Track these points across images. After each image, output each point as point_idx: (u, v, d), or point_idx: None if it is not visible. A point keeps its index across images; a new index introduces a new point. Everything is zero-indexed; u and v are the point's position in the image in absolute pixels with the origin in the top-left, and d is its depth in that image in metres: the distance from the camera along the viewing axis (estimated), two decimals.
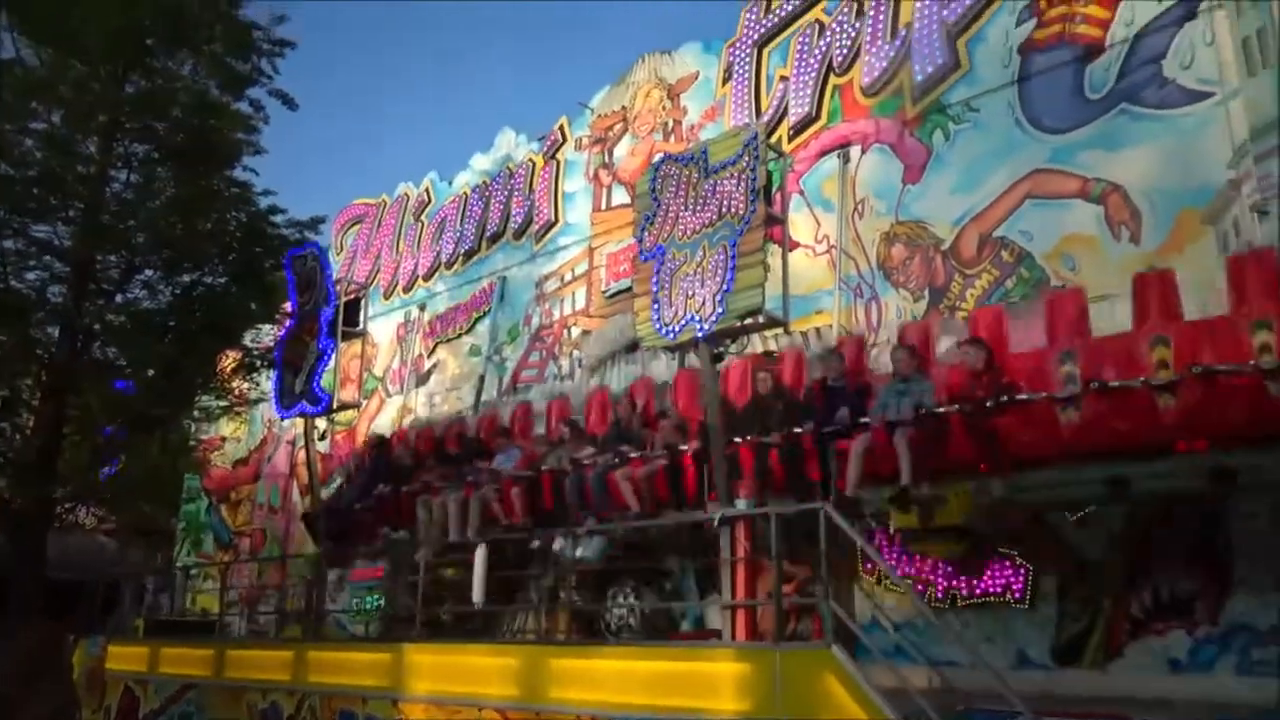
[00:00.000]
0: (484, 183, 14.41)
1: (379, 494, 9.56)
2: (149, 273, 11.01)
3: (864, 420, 6.39)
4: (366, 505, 9.70)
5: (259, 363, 11.56)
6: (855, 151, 9.49)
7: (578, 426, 8.91)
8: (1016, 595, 7.02)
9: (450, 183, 15.18)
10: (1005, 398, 5.94)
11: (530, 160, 13.78)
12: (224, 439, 17.74)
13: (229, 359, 11.94)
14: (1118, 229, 7.41)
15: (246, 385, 12.37)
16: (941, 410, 6.18)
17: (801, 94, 10.04)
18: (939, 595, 7.33)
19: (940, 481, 6.10)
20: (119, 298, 10.97)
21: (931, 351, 7.23)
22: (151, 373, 10.81)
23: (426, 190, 15.55)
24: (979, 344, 6.48)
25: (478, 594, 7.79)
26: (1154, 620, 6.40)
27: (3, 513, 10.52)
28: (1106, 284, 7.22)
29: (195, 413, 12.76)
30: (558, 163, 13.34)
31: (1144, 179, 7.32)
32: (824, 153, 9.77)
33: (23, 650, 4.62)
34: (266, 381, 11.92)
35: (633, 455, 7.67)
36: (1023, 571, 7.02)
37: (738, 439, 6.87)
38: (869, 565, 7.55)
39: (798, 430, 6.70)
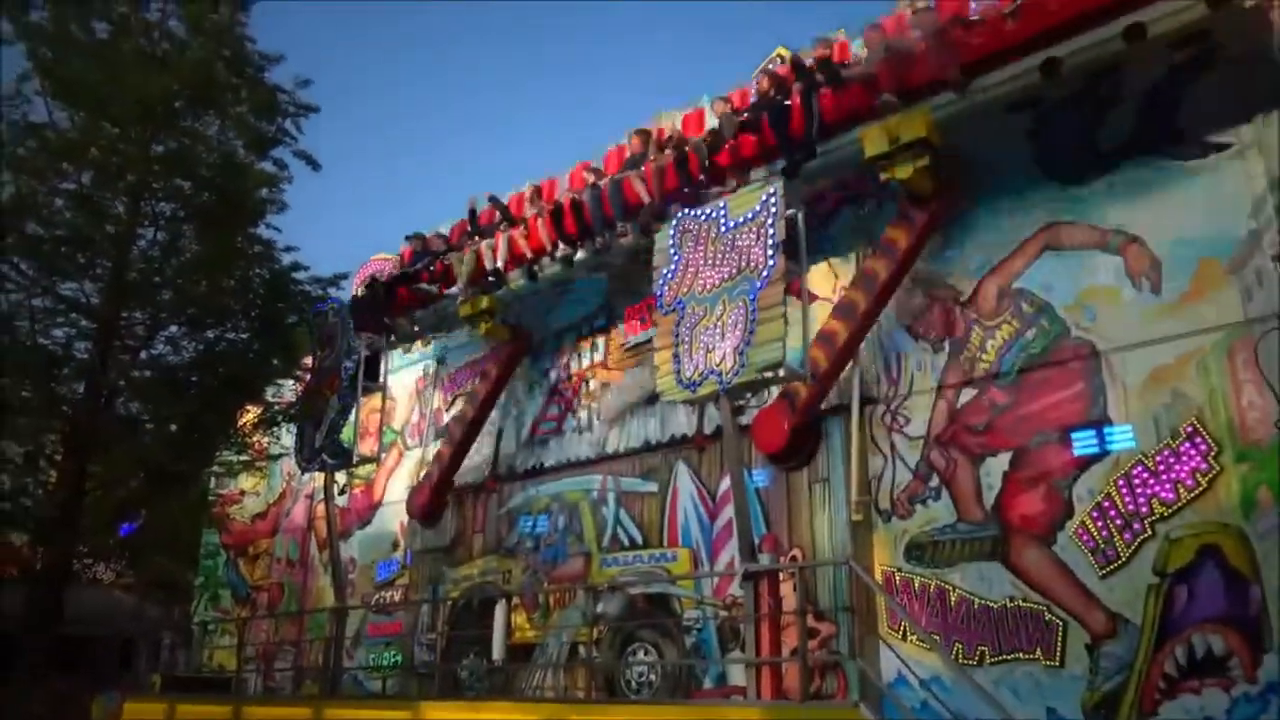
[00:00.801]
0: None
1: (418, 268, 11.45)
2: (173, 329, 11.13)
3: None
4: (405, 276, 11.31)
5: (279, 417, 11.63)
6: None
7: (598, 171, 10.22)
8: (1047, 652, 6.89)
9: None
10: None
11: None
12: (243, 493, 17.75)
13: (250, 414, 12.01)
14: (1139, 280, 7.40)
15: (267, 440, 12.43)
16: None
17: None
18: (967, 652, 7.19)
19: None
20: (144, 354, 11.08)
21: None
22: (173, 428, 10.87)
23: None
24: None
25: (497, 651, 7.71)
26: (1189, 678, 6.26)
27: (23, 568, 10.53)
28: (1128, 335, 7.22)
29: (216, 468, 12.81)
30: None
31: (1163, 229, 7.32)
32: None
33: (40, 707, 4.59)
34: (287, 436, 11.98)
35: None
36: (1053, 628, 6.90)
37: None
38: (895, 621, 7.44)
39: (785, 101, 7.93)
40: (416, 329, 12.00)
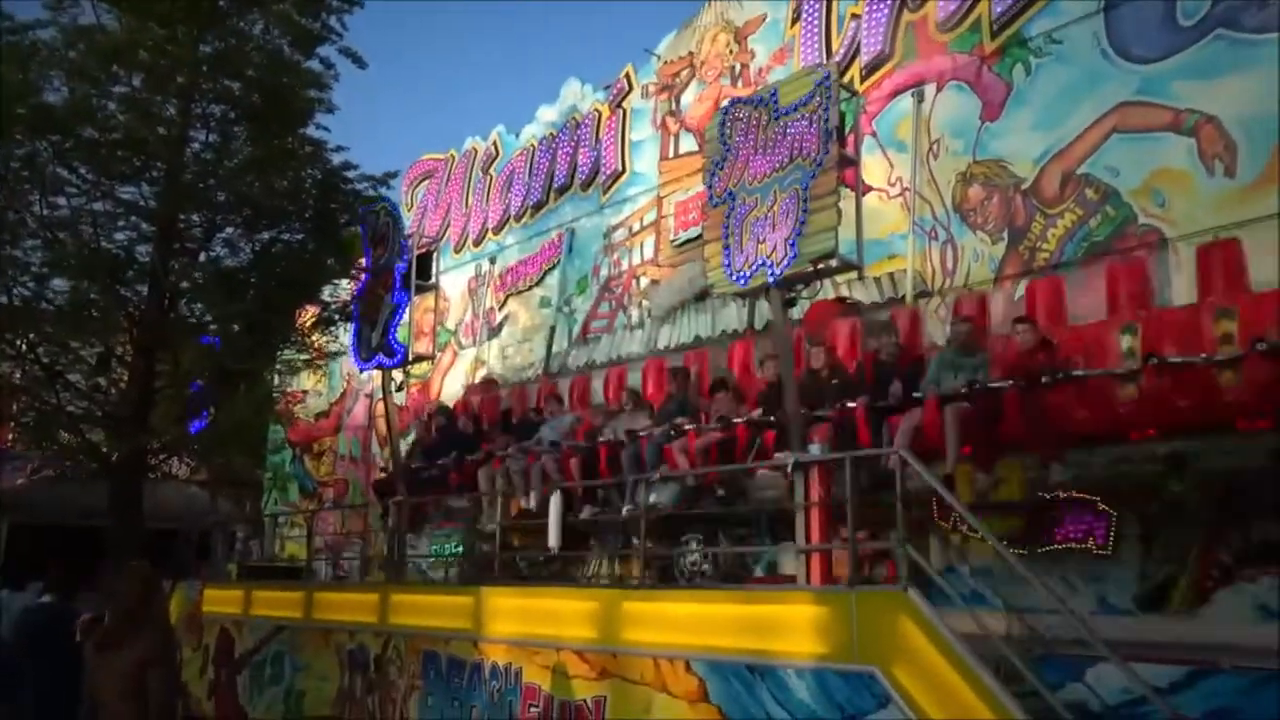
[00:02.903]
0: (550, 135, 14.38)
1: (444, 464, 9.98)
2: (229, 231, 11.31)
3: (916, 394, 6.36)
4: (431, 474, 10.16)
5: (337, 317, 11.85)
6: (930, 90, 9.20)
7: (637, 395, 9.05)
8: (1099, 541, 6.87)
9: (517, 135, 15.18)
10: (1061, 374, 5.84)
11: (596, 110, 13.68)
12: (305, 393, 18.27)
13: (308, 314, 12.24)
14: (1211, 162, 7.07)
15: (325, 339, 12.70)
16: (996, 386, 6.11)
17: (874, 32, 9.74)
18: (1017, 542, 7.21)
19: (995, 460, 6.06)
20: (202, 256, 11.30)
21: (989, 321, 7.12)
22: (235, 328, 11.16)
23: (494, 144, 15.59)
24: (1030, 323, 6.52)
25: (553, 540, 7.93)
26: (1244, 566, 6.21)
27: (102, 464, 11.04)
28: (1198, 220, 6.95)
29: (278, 367, 13.17)
30: (624, 112, 13.23)
31: (1240, 109, 6.95)
32: (897, 92, 9.50)
33: (124, 590, 4.90)
34: (344, 335, 12.22)
35: (688, 427, 7.74)
36: (1104, 518, 6.86)
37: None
38: (945, 512, 7.47)
39: (850, 404, 6.68)
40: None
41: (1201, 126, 7.15)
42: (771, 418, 7.08)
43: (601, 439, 8.52)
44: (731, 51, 11.79)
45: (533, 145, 14.67)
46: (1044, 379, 5.92)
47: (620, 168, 13.05)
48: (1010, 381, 6.14)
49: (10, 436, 15.77)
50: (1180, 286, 6.99)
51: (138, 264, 10.73)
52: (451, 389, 15.06)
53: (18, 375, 11.26)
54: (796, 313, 7.76)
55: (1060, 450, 6.04)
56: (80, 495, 13.66)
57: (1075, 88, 8.01)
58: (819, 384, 7.27)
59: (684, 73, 12.48)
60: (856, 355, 8.01)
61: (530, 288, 14.29)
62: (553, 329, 13.40)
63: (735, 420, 7.43)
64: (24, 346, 10.84)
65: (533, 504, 8.63)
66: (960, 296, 8.12)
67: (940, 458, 6.17)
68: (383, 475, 12.26)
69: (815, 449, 6.15)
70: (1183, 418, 5.58)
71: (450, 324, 15.76)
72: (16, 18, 9.95)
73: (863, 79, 9.74)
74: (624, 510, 7.85)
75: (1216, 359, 5.43)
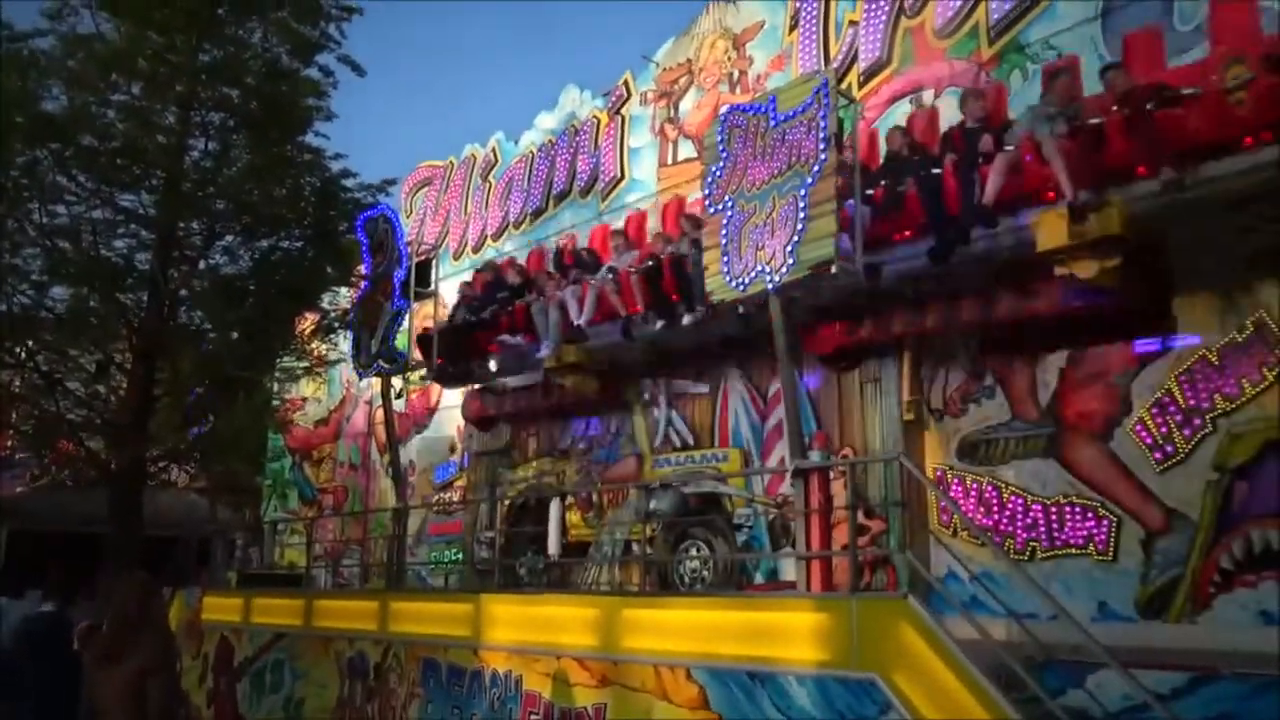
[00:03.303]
0: (549, 141, 14.39)
1: (494, 310, 10.04)
2: (229, 238, 11.37)
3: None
4: (481, 319, 10.19)
5: (336, 324, 11.87)
6: (928, 96, 9.21)
7: (695, 218, 8.89)
8: (1099, 547, 6.88)
9: (516, 143, 15.18)
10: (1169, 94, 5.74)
11: (595, 117, 13.69)
12: (305, 399, 18.26)
13: (307, 321, 12.26)
14: None
15: (325, 347, 12.71)
16: (1095, 122, 5.99)
17: (872, 38, 9.75)
18: (1018, 547, 7.22)
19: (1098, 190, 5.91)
20: (201, 264, 11.33)
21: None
22: (234, 336, 11.18)
23: (493, 151, 15.59)
24: (1118, 68, 6.37)
25: (553, 547, 7.93)
26: (1245, 572, 6.21)
27: (102, 472, 11.05)
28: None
29: (277, 374, 13.19)
30: (623, 118, 13.24)
31: None
32: (895, 98, 9.49)
33: (123, 599, 4.90)
34: (344, 343, 12.23)
35: None
36: (1106, 523, 6.87)
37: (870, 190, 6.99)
38: (946, 518, 7.48)
39: (935, 170, 6.70)
40: (495, 370, 10.46)
41: None
42: None
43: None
44: (730, 58, 11.81)
45: (532, 152, 14.68)
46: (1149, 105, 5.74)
47: (619, 174, 13.06)
48: (1114, 108, 5.93)
49: (10, 444, 15.76)
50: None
51: (137, 272, 10.77)
52: (452, 395, 15.05)
53: (17, 383, 11.30)
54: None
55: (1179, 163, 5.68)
56: (80, 502, 13.67)
57: None
58: (900, 163, 7.29)
59: (682, 79, 12.50)
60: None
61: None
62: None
63: None
64: (23, 354, 10.87)
65: (584, 323, 8.83)
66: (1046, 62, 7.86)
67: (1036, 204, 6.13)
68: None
69: (815, 456, 6.15)
70: None
71: None
72: (16, 27, 10.00)
73: (861, 85, 9.75)
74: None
75: None
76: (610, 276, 8.84)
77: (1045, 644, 5.34)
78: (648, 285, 8.53)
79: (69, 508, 14.70)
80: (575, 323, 8.94)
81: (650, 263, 8.63)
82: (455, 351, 10.35)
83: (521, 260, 11.86)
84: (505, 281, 10.68)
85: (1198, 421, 6.59)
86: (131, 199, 10.77)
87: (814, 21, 10.46)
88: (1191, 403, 6.64)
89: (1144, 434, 6.82)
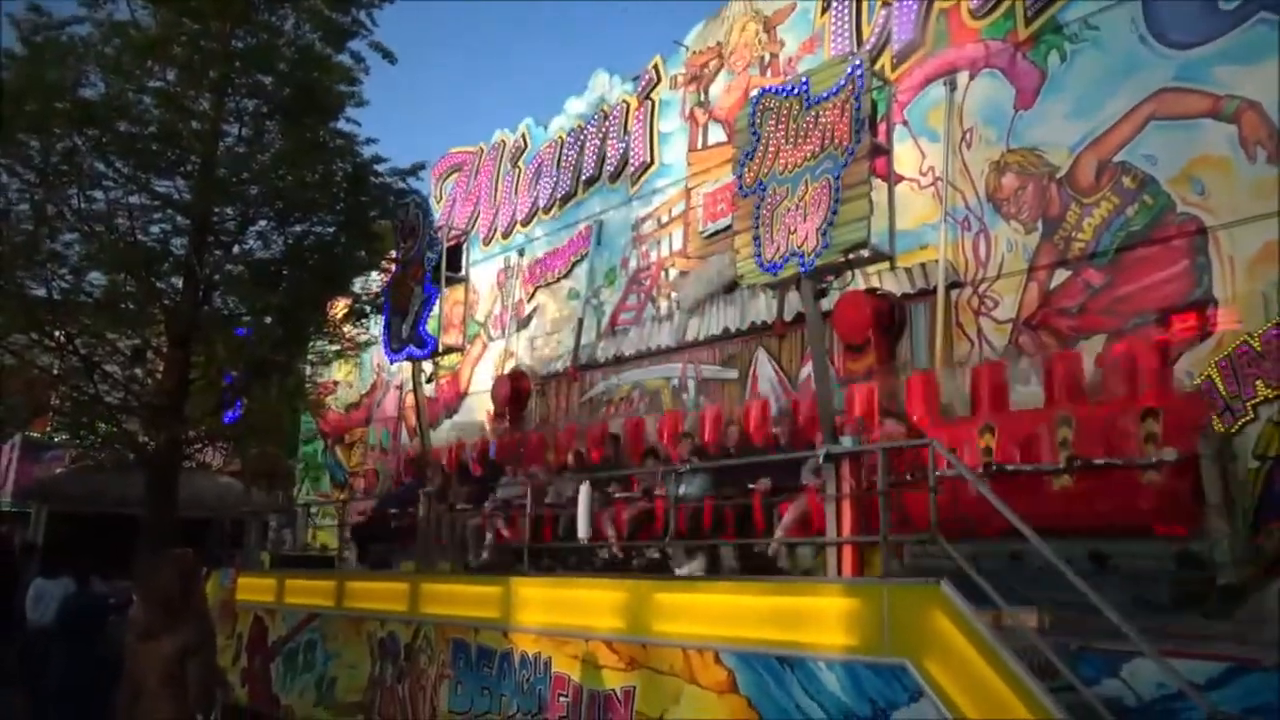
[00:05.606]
0: (579, 126, 14.37)
1: (410, 512, 10.04)
2: (262, 224, 11.45)
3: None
4: (400, 521, 10.25)
5: (368, 308, 11.95)
6: (963, 78, 9.08)
7: (581, 456, 9.14)
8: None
9: (546, 128, 15.19)
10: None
11: (624, 102, 13.66)
12: (337, 383, 18.45)
13: (339, 305, 12.36)
14: (1253, 149, 6.93)
15: (356, 330, 12.81)
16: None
17: (905, 20, 9.64)
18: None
19: None
20: (235, 249, 11.44)
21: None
22: (268, 320, 11.29)
23: (523, 136, 15.61)
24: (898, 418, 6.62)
25: (583, 530, 7.95)
26: None
27: (138, 454, 11.23)
28: (1239, 209, 6.82)
29: (309, 357, 13.32)
30: (652, 103, 13.19)
31: None
32: (929, 80, 9.38)
33: (164, 578, 4.97)
34: (375, 327, 12.32)
35: (618, 496, 7.83)
36: None
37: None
38: None
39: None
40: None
41: (1243, 112, 7.01)
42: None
43: (547, 500, 8.60)
44: (760, 41, 11.71)
45: (561, 137, 14.67)
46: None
47: (649, 159, 13.02)
48: None
49: (49, 426, 16.07)
50: (1220, 276, 6.86)
51: (173, 257, 10.90)
52: (481, 380, 15.14)
53: (56, 366, 11.48)
54: (827, 303, 7.72)
55: None
56: (117, 484, 13.90)
57: (1112, 74, 7.87)
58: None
59: (712, 63, 12.42)
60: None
61: (559, 280, 14.31)
62: (581, 321, 13.42)
63: (656, 493, 7.48)
64: (62, 338, 11.04)
65: (481, 559, 8.88)
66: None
67: None
68: (361, 519, 12.21)
69: (847, 441, 6.10)
70: None
71: (479, 316, 15.83)
72: (54, 15, 10.11)
73: (894, 67, 9.64)
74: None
75: None
76: (504, 515, 8.90)
77: (1081, 631, 5.28)
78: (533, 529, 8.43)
79: (106, 489, 14.98)
80: (473, 564, 9.00)
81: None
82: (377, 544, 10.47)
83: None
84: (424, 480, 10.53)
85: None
86: (167, 185, 10.89)
87: (846, 3, 10.36)
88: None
89: None
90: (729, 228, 8.95)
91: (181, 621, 4.81)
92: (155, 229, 11.08)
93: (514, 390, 13.41)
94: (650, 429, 10.14)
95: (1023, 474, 5.73)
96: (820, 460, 6.06)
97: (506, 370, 14.37)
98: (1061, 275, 7.94)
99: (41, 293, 10.71)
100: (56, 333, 10.96)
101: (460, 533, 9.18)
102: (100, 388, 11.13)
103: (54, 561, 11.22)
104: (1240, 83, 7.04)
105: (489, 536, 8.90)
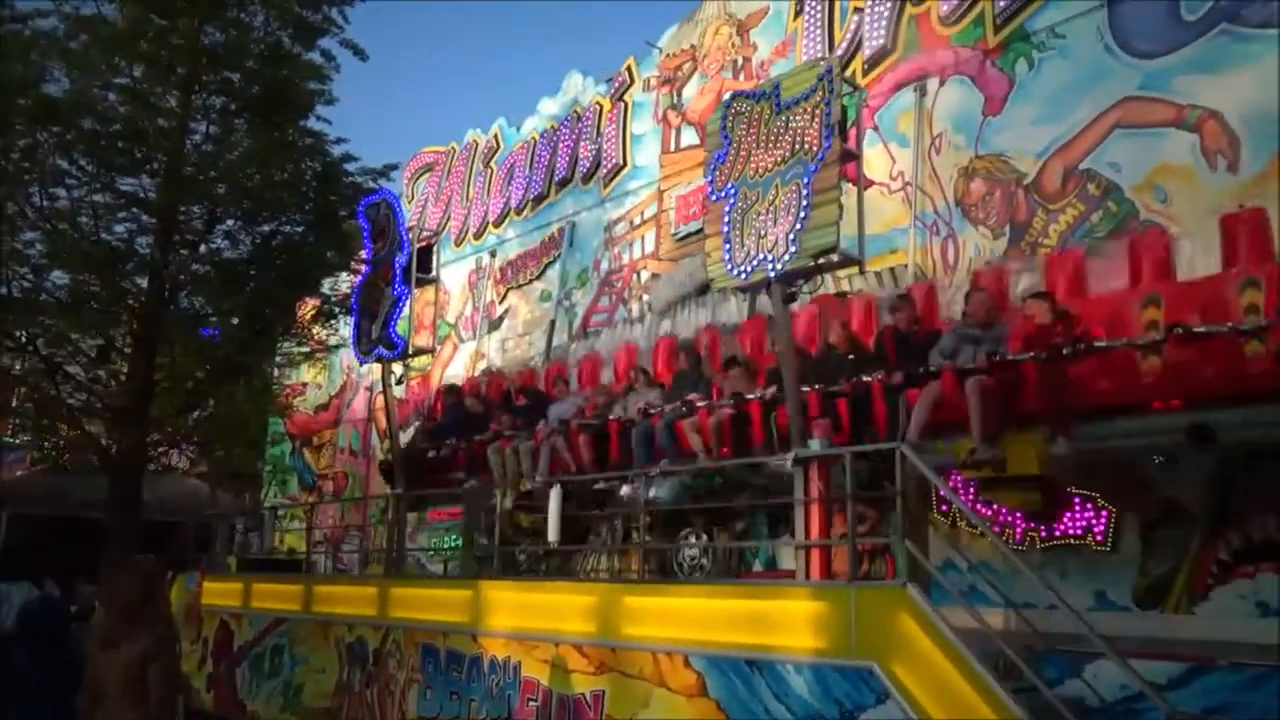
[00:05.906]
0: (552, 127, 14.35)
1: (452, 444, 9.81)
2: (230, 223, 11.33)
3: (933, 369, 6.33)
4: (441, 454, 9.96)
5: (337, 310, 11.85)
6: (933, 84, 9.18)
7: (646, 374, 8.97)
8: (1098, 538, 6.88)
9: (518, 129, 15.16)
10: (1082, 345, 5.76)
11: (597, 103, 13.65)
12: (305, 385, 18.26)
13: (308, 306, 12.24)
14: (1214, 158, 7.06)
15: (326, 332, 12.69)
16: (1016, 359, 6.04)
17: (876, 26, 9.71)
18: (1017, 539, 7.22)
19: (1012, 432, 5.94)
20: (202, 248, 11.30)
21: (1008, 296, 7.06)
22: (235, 321, 11.16)
23: (495, 137, 15.56)
24: (1044, 297, 6.37)
25: (553, 534, 7.92)
26: (1243, 563, 6.21)
27: (102, 457, 11.05)
28: (1200, 216, 6.93)
29: (278, 359, 13.18)
30: (625, 105, 13.20)
31: (1243, 104, 6.93)
32: (900, 86, 9.47)
33: (125, 585, 4.91)
34: (345, 328, 12.22)
35: (700, 404, 7.68)
36: (1105, 514, 6.87)
37: (806, 388, 6.81)
38: (944, 507, 7.47)
39: (866, 379, 6.63)
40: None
41: (1204, 122, 7.13)
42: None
43: (612, 416, 8.43)
44: (734, 45, 11.76)
45: (534, 138, 14.64)
46: (1064, 351, 5.76)
47: (621, 161, 13.03)
48: (1030, 354, 5.96)
49: (10, 428, 15.78)
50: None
51: (137, 256, 10.75)
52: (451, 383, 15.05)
53: (17, 367, 11.28)
54: (796, 307, 7.74)
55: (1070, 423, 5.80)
56: (80, 487, 13.67)
57: (1078, 82, 7.98)
58: (835, 360, 7.19)
59: (686, 66, 12.45)
60: (874, 330, 7.90)
61: (531, 281, 14.28)
62: (553, 323, 13.39)
63: (748, 397, 7.38)
64: (23, 338, 10.84)
65: (538, 482, 8.47)
66: (978, 270, 7.98)
67: (959, 432, 6.07)
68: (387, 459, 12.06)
69: (815, 444, 6.13)
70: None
71: (450, 317, 15.75)
72: (17, 7, 9.96)
73: (865, 73, 9.71)
74: (622, 490, 7.82)
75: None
76: (562, 434, 8.53)
77: (1044, 633, 5.34)
78: (595, 447, 8.33)
79: (69, 492, 14.72)
80: (529, 487, 8.61)
81: (595, 421, 8.46)
82: (415, 479, 10.00)
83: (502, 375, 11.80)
84: (464, 408, 10.45)
85: None
86: (132, 183, 10.74)
87: (819, 8, 10.43)
88: None
89: None
90: (701, 231, 8.96)
91: (143, 628, 4.74)
92: (120, 228, 10.95)
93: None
94: None
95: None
96: (789, 464, 6.08)
97: (477, 371, 14.31)
98: (1028, 280, 7.99)
99: (2, 291, 10.51)
100: (18, 333, 10.76)
101: (512, 461, 8.82)
102: (63, 389, 10.94)
103: (14, 565, 11.02)
104: (1202, 92, 7.17)
105: (542, 462, 8.55)
